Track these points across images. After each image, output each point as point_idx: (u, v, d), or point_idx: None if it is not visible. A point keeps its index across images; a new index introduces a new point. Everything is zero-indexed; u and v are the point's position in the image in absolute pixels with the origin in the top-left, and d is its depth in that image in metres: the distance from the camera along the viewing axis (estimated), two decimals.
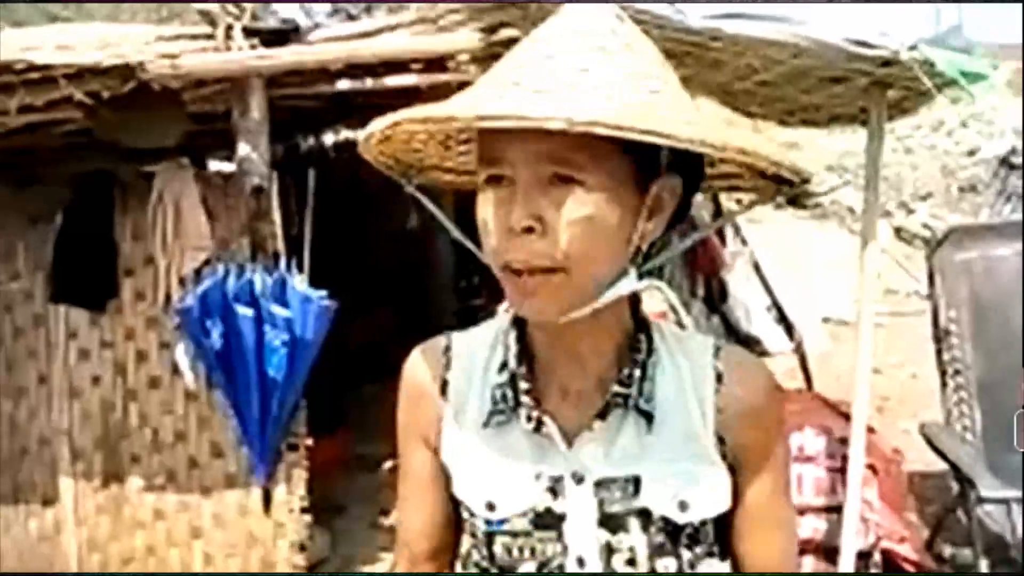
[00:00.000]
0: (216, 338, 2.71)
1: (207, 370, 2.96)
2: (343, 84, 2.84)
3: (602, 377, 0.86)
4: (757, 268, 4.84)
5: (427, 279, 5.46)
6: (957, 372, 2.73)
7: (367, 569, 3.33)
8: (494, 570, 0.88)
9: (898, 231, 7.82)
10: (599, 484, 0.84)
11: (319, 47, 2.74)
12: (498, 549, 0.87)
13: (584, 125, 0.69)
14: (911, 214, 8.29)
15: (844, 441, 2.33)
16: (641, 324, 0.89)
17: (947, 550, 2.90)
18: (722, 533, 0.89)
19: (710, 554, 0.88)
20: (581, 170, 0.75)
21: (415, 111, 0.77)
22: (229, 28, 2.60)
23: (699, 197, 0.87)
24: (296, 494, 3.01)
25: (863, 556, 2.91)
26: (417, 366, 0.95)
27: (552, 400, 0.87)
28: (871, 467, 3.09)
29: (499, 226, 0.78)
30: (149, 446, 3.20)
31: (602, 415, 0.84)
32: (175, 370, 3.06)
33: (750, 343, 4.89)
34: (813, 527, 2.70)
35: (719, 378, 0.87)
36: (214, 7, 2.69)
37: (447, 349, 0.94)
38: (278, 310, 2.70)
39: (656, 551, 0.85)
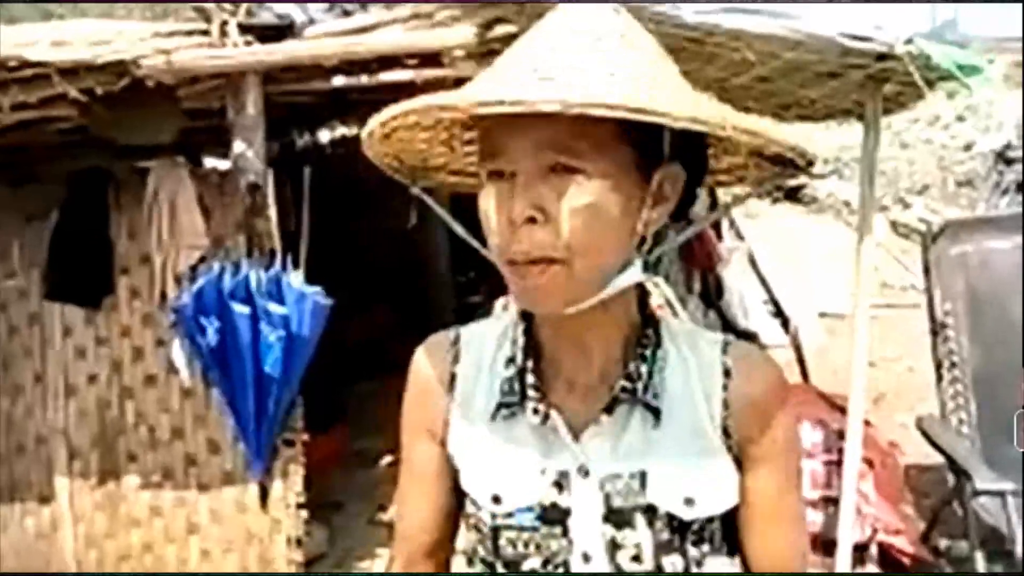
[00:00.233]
0: (212, 335, 2.70)
1: (203, 367, 2.96)
2: (339, 80, 2.83)
3: (609, 371, 0.86)
4: (753, 263, 4.86)
5: (424, 276, 5.46)
6: (953, 365, 2.73)
7: (364, 564, 3.33)
8: (499, 565, 0.88)
9: (894, 225, 7.82)
10: (605, 479, 0.84)
11: (314, 43, 2.73)
12: (503, 543, 0.87)
13: (580, 107, 0.68)
14: (907, 208, 8.30)
15: (840, 434, 2.34)
16: (649, 319, 0.88)
17: (943, 542, 2.91)
18: (730, 530, 0.88)
19: (718, 552, 0.87)
20: (582, 159, 0.75)
21: (413, 102, 0.77)
22: (224, 24, 2.59)
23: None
24: (293, 490, 3.01)
25: (859, 549, 2.92)
26: (425, 359, 0.95)
27: (559, 394, 0.87)
28: (867, 460, 3.10)
29: (501, 219, 0.77)
30: (146, 443, 3.20)
31: (609, 409, 0.84)
32: (171, 367, 3.06)
33: (747, 337, 4.90)
34: (810, 520, 2.72)
35: (727, 373, 0.86)
36: (209, 4, 2.68)
37: (455, 342, 0.94)
38: (274, 307, 2.69)
39: (662, 548, 0.84)
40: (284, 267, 2.80)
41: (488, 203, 0.79)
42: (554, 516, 0.85)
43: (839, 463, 2.35)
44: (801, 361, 4.29)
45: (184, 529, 3.17)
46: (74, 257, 3.18)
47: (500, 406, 0.87)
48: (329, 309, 2.79)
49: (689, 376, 0.86)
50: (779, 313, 4.71)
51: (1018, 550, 2.18)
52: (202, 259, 2.94)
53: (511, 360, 0.88)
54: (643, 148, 0.78)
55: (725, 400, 0.85)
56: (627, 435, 0.84)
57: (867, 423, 2.98)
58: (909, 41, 2.01)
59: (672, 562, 0.84)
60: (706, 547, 0.86)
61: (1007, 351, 2.72)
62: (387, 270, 5.23)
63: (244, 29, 2.65)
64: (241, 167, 2.73)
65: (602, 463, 0.84)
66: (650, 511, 0.84)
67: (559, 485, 0.85)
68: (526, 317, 0.89)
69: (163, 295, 3.01)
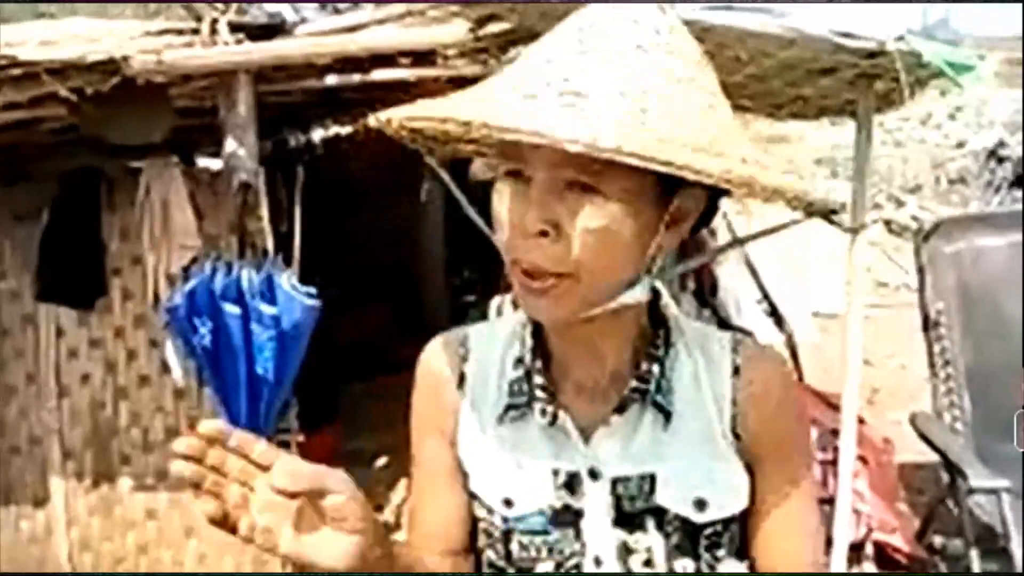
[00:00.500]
0: (205, 336, 2.69)
1: (196, 368, 2.95)
2: (331, 79, 2.82)
3: (619, 372, 0.85)
4: (747, 261, 4.85)
5: (419, 275, 5.45)
6: (946, 363, 2.74)
7: None
8: (511, 569, 0.86)
9: (888, 223, 7.84)
10: (615, 481, 0.83)
11: (306, 41, 2.73)
12: (515, 547, 0.86)
13: (607, 152, 0.66)
14: (901, 206, 8.32)
15: (835, 433, 2.34)
16: (660, 319, 0.87)
17: (938, 540, 2.91)
18: (744, 534, 0.87)
19: (731, 557, 0.85)
20: (600, 178, 0.73)
21: (436, 108, 0.75)
22: (214, 23, 2.58)
23: None
24: None
25: (855, 547, 2.92)
26: (435, 357, 0.94)
27: (568, 395, 0.85)
28: (862, 458, 3.10)
29: (513, 224, 0.76)
30: (140, 445, 3.19)
31: (620, 410, 0.83)
32: (165, 368, 3.05)
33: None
34: None
35: (736, 372, 0.85)
36: (200, 2, 2.67)
37: (465, 341, 0.93)
38: (265, 307, 2.69)
39: (674, 552, 0.82)
40: (277, 267, 2.79)
41: (502, 203, 0.77)
42: (566, 519, 0.84)
43: (833, 462, 2.35)
44: (795, 359, 4.28)
45: (180, 531, 3.16)
46: (66, 257, 3.16)
47: (509, 407, 0.86)
48: (322, 309, 2.78)
49: (699, 376, 0.85)
50: (773, 311, 4.71)
51: (1012, 547, 2.19)
52: (194, 259, 2.93)
53: (520, 360, 0.87)
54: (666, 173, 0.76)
55: (733, 398, 0.84)
56: (638, 437, 0.83)
57: (861, 421, 2.98)
58: (900, 39, 2.01)
59: (684, 566, 0.83)
60: (720, 552, 0.84)
61: (1000, 348, 2.72)
62: (381, 270, 5.22)
63: (235, 28, 2.64)
64: (233, 166, 2.72)
65: (612, 465, 0.83)
66: (660, 514, 0.82)
67: (570, 487, 0.84)
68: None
69: (156, 296, 3.00)
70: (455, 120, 0.73)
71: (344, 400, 4.38)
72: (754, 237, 0.95)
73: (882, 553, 2.99)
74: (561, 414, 0.83)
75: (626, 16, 0.76)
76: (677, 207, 0.78)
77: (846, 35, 2.06)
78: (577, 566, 0.84)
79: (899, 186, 8.75)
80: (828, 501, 2.55)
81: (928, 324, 2.81)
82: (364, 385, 4.58)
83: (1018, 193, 7.63)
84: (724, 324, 4.85)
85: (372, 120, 0.83)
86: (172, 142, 2.96)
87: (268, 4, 2.82)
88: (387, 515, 3.62)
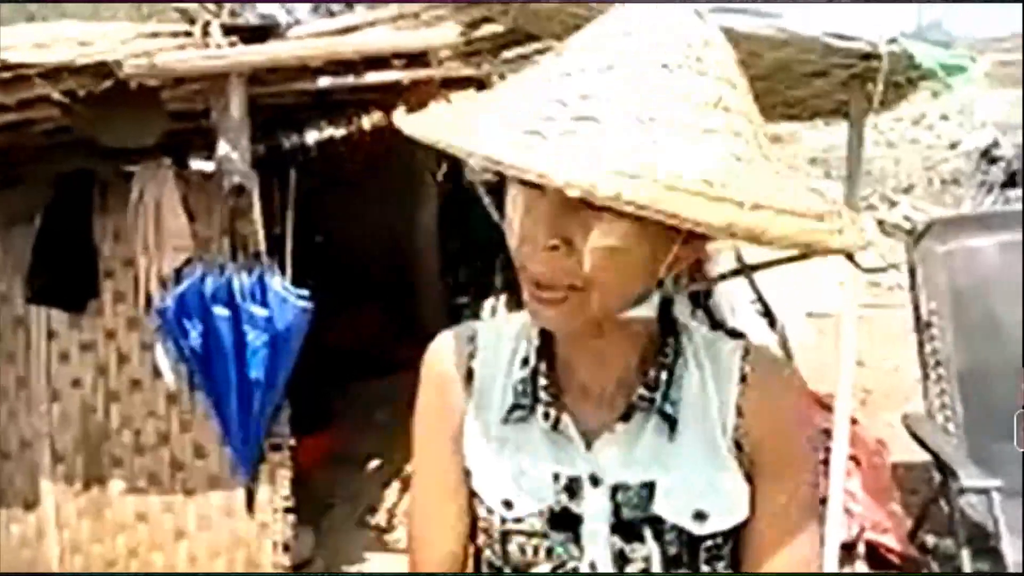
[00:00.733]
0: (195, 339, 2.69)
1: (188, 371, 2.94)
2: (324, 81, 2.82)
3: (625, 378, 0.84)
4: (741, 261, 4.86)
5: (412, 278, 5.44)
6: (938, 363, 2.74)
7: (354, 568, 3.32)
8: (507, 570, 0.86)
9: (881, 224, 7.87)
10: (616, 488, 0.82)
11: (299, 43, 2.72)
12: (513, 548, 0.85)
13: (605, 200, 0.64)
14: (894, 207, 8.35)
15: (828, 433, 2.34)
16: (670, 325, 0.86)
17: (930, 540, 2.92)
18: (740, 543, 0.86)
19: (730, 569, 0.84)
20: None
21: (438, 129, 0.74)
22: (207, 25, 2.57)
23: None
24: (280, 494, 2.99)
25: (847, 547, 2.93)
26: (442, 353, 0.92)
27: (573, 398, 0.84)
28: (855, 459, 3.11)
29: (524, 234, 0.75)
30: (131, 448, 3.17)
31: (625, 417, 0.82)
32: (157, 372, 3.03)
33: (734, 337, 4.90)
34: None
35: (743, 379, 0.83)
36: (192, 4, 2.67)
37: (472, 338, 0.92)
38: (257, 310, 2.68)
39: (671, 563, 0.81)
40: (270, 269, 2.79)
41: (515, 209, 0.76)
42: (565, 523, 0.83)
43: (826, 462, 2.35)
44: (788, 360, 4.30)
45: (171, 534, 3.14)
46: (58, 260, 3.15)
47: (513, 408, 0.85)
48: (314, 311, 2.77)
49: (705, 385, 0.84)
50: (767, 312, 4.72)
51: (1003, 547, 2.19)
52: (187, 262, 2.92)
53: (526, 361, 0.86)
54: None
55: (739, 405, 0.83)
56: (640, 445, 0.82)
57: (854, 422, 2.99)
58: (892, 40, 2.02)
59: None
60: (719, 565, 0.83)
61: (992, 348, 2.73)
62: (374, 272, 5.22)
63: (227, 30, 2.63)
64: (226, 169, 2.71)
65: (613, 472, 0.82)
66: (658, 523, 0.81)
67: (571, 491, 0.83)
68: None
69: (148, 298, 2.98)
70: (457, 149, 0.71)
71: (339, 402, 4.37)
72: (762, 266, 0.91)
73: (874, 553, 2.99)
74: (564, 418, 0.83)
75: (658, 25, 0.73)
76: (690, 229, 0.74)
77: (839, 37, 2.07)
78: (575, 570, 0.83)
79: (892, 186, 8.78)
80: (820, 501, 2.56)
81: (920, 324, 2.81)
82: (357, 387, 4.57)
83: (1011, 193, 7.67)
84: (718, 325, 4.86)
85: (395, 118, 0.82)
86: (165, 145, 2.96)
87: (261, 6, 2.81)
88: (379, 518, 3.62)
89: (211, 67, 2.60)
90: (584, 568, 0.83)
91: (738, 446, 0.82)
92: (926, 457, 2.55)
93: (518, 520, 0.85)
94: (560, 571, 0.84)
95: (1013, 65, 10.37)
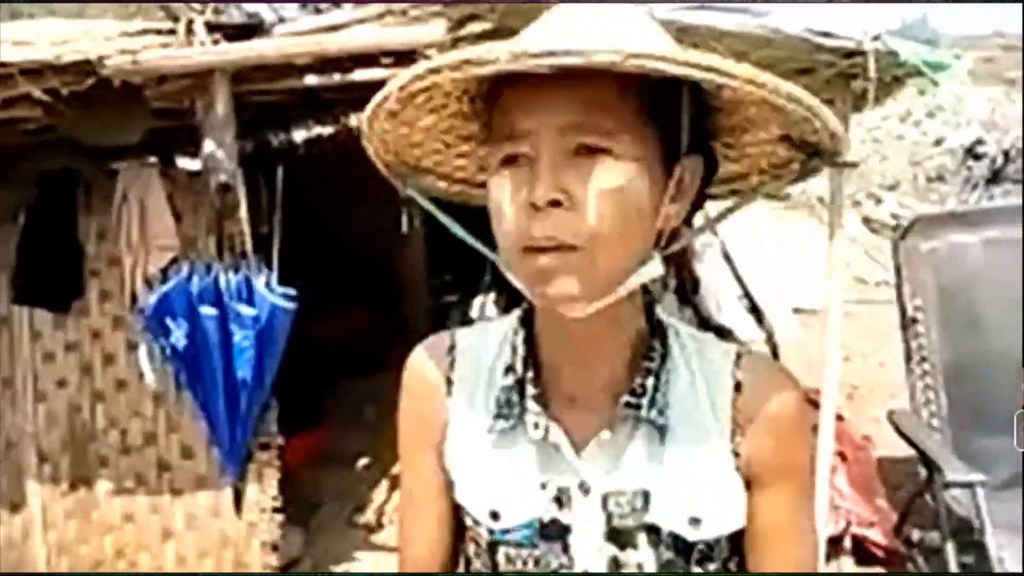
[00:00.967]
0: (181, 338, 2.67)
1: (174, 371, 2.93)
2: (311, 79, 2.80)
3: (613, 383, 0.82)
4: (728, 258, 4.88)
5: (400, 276, 5.44)
6: (923, 359, 2.76)
7: (342, 567, 3.31)
8: None
9: (867, 221, 7.91)
10: (607, 497, 0.81)
11: (283, 41, 2.70)
12: (501, 559, 0.84)
13: (639, 59, 0.64)
14: (879, 204, 8.40)
15: (814, 429, 2.35)
16: (656, 327, 0.84)
17: (916, 534, 2.94)
18: (738, 550, 0.85)
19: (722, 571, 0.84)
20: (608, 138, 0.71)
21: (443, 58, 0.71)
22: (191, 23, 2.55)
23: None
24: (268, 493, 2.98)
25: (834, 541, 2.95)
26: (421, 365, 0.90)
27: (559, 406, 0.83)
28: (840, 454, 3.14)
29: (519, 204, 0.73)
30: (117, 448, 3.16)
31: (612, 425, 0.80)
32: (142, 372, 3.02)
33: (722, 333, 4.92)
34: None
35: (738, 387, 0.82)
36: (176, 3, 2.64)
37: (452, 348, 0.90)
38: (243, 309, 2.67)
39: (665, 568, 0.81)
40: (257, 268, 2.78)
41: (503, 189, 0.74)
42: (554, 533, 0.82)
43: (812, 457, 2.37)
44: (775, 356, 4.32)
45: (158, 535, 3.13)
46: (43, 260, 3.13)
47: (498, 418, 0.83)
48: (302, 310, 2.76)
49: (697, 390, 0.82)
50: (754, 308, 4.74)
51: (987, 540, 2.21)
52: (173, 261, 2.91)
53: (510, 368, 0.84)
54: (667, 134, 0.75)
55: (734, 416, 0.81)
56: (630, 452, 0.81)
57: (840, 417, 3.01)
58: (877, 38, 2.03)
59: None
60: (712, 567, 0.82)
61: (977, 344, 2.75)
62: (362, 271, 5.21)
63: (212, 27, 2.61)
64: (211, 168, 2.69)
65: (604, 480, 0.81)
66: (653, 531, 0.80)
67: (559, 501, 0.82)
68: (526, 324, 0.86)
69: (134, 298, 2.97)
70: (478, 62, 0.68)
71: (327, 401, 4.37)
72: (730, 211, 0.90)
73: (860, 547, 3.02)
74: (553, 428, 0.81)
75: (603, 6, 0.76)
76: (680, 175, 0.77)
77: (824, 35, 2.08)
78: None
79: (878, 183, 8.83)
80: None
81: (905, 321, 2.83)
82: (346, 386, 4.57)
83: (995, 190, 7.72)
84: (705, 322, 4.88)
85: (354, 121, 0.81)
86: (150, 143, 2.94)
87: (246, 4, 2.79)
88: (368, 517, 3.61)
89: (195, 65, 2.58)
90: None
91: (735, 452, 0.81)
92: (911, 452, 2.57)
93: (506, 531, 0.84)
94: None
95: (996, 62, 10.46)
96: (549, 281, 0.74)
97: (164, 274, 2.87)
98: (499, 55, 0.67)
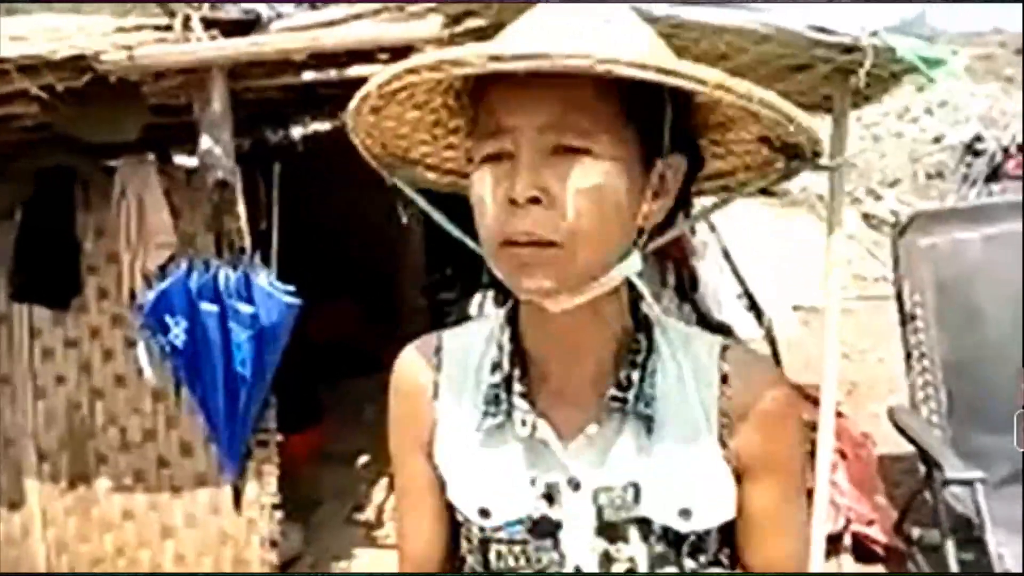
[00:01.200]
0: (180, 335, 2.67)
1: (173, 368, 2.92)
2: (308, 75, 2.80)
3: (599, 378, 0.82)
4: (727, 256, 4.88)
5: (398, 273, 5.43)
6: (923, 355, 2.76)
7: (342, 564, 3.31)
8: None
9: (866, 217, 7.91)
10: (597, 491, 0.81)
11: (279, 37, 2.70)
12: (492, 557, 0.84)
13: (611, 64, 0.66)
14: (879, 200, 8.39)
15: (813, 426, 2.35)
16: (642, 322, 0.85)
17: (915, 531, 2.93)
18: (729, 542, 0.85)
19: (714, 563, 0.84)
20: (587, 137, 0.72)
21: (421, 57, 0.73)
22: (187, 19, 2.55)
23: None
24: (267, 491, 2.98)
25: (833, 539, 2.95)
26: (408, 367, 0.91)
27: (546, 402, 0.83)
28: (840, 451, 3.13)
29: (500, 200, 0.74)
30: (117, 445, 3.16)
31: (599, 419, 0.81)
32: (141, 369, 3.01)
33: (721, 331, 4.92)
34: None
35: (724, 379, 0.82)
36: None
37: (438, 350, 0.90)
38: (242, 306, 2.66)
39: (657, 561, 0.81)
40: (254, 265, 2.77)
41: (484, 184, 0.75)
42: (544, 529, 0.82)
43: (812, 454, 2.36)
44: (775, 353, 4.31)
45: (158, 532, 3.13)
46: (41, 257, 3.13)
47: (486, 415, 0.84)
48: (300, 307, 2.76)
49: (684, 383, 0.82)
50: (753, 306, 4.74)
51: (987, 537, 2.21)
52: (171, 258, 2.90)
53: (497, 366, 0.85)
54: (647, 134, 0.76)
55: (721, 408, 0.81)
56: (619, 446, 0.81)
57: (840, 414, 3.00)
58: (874, 34, 2.02)
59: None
60: (703, 559, 0.83)
61: (976, 340, 2.74)
62: (360, 268, 5.20)
63: (208, 23, 2.61)
64: (208, 164, 2.69)
65: (593, 475, 0.81)
66: (644, 524, 0.81)
67: (549, 497, 0.82)
68: (512, 321, 0.86)
69: (132, 295, 2.97)
70: (462, 62, 0.70)
71: (326, 398, 4.36)
72: (716, 207, 0.90)
73: (860, 544, 3.01)
74: (541, 424, 0.81)
75: (584, 12, 0.77)
76: (660, 174, 0.78)
77: (821, 31, 2.07)
78: (557, 573, 0.83)
79: (877, 180, 8.82)
80: (807, 494, 2.57)
81: (904, 317, 2.82)
82: (346, 384, 4.56)
83: (994, 187, 7.72)
84: (705, 319, 4.88)
85: (358, 97, 0.81)
86: (147, 140, 2.93)
87: (242, 0, 2.79)
88: (368, 514, 3.61)
89: (191, 61, 2.58)
90: (568, 572, 0.83)
91: (723, 444, 0.82)
92: (911, 449, 2.57)
93: (496, 528, 0.84)
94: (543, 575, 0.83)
95: (995, 59, 10.45)
96: (527, 274, 0.75)
97: (162, 271, 2.87)
98: (473, 57, 0.68)
